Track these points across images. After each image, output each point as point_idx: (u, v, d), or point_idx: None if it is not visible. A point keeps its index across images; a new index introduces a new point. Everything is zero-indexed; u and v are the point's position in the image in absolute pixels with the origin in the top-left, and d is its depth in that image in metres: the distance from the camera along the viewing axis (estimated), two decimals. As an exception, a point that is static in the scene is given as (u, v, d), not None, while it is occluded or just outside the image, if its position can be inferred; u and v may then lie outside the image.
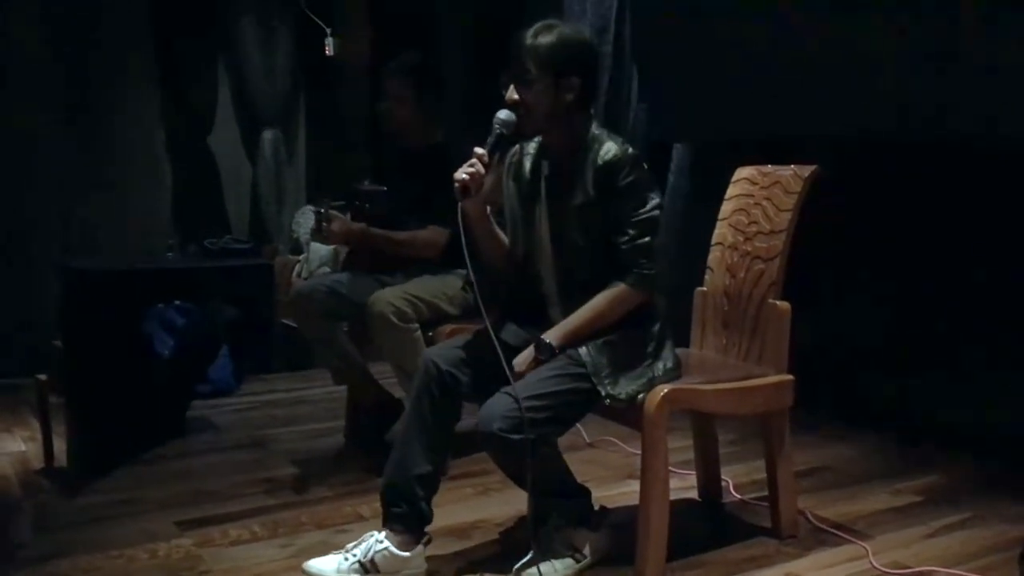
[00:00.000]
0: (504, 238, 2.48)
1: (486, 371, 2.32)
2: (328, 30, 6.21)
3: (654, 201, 2.33)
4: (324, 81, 6.50)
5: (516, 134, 2.34)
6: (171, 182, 5.97)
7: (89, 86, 5.58)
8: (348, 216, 3.42)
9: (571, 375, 2.26)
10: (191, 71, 6.11)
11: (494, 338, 2.24)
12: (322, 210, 3.37)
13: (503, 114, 2.31)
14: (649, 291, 2.35)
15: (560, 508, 2.41)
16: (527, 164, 2.46)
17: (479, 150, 2.28)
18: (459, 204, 2.28)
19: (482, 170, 2.27)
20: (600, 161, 2.29)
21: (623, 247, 2.30)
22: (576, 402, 2.28)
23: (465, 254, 2.26)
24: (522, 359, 2.30)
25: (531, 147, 2.47)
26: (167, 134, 5.94)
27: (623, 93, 4.67)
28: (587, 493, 2.45)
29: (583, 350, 2.28)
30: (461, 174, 2.26)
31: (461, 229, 2.28)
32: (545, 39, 2.28)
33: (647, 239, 2.31)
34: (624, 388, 2.29)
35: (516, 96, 2.30)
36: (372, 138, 6.12)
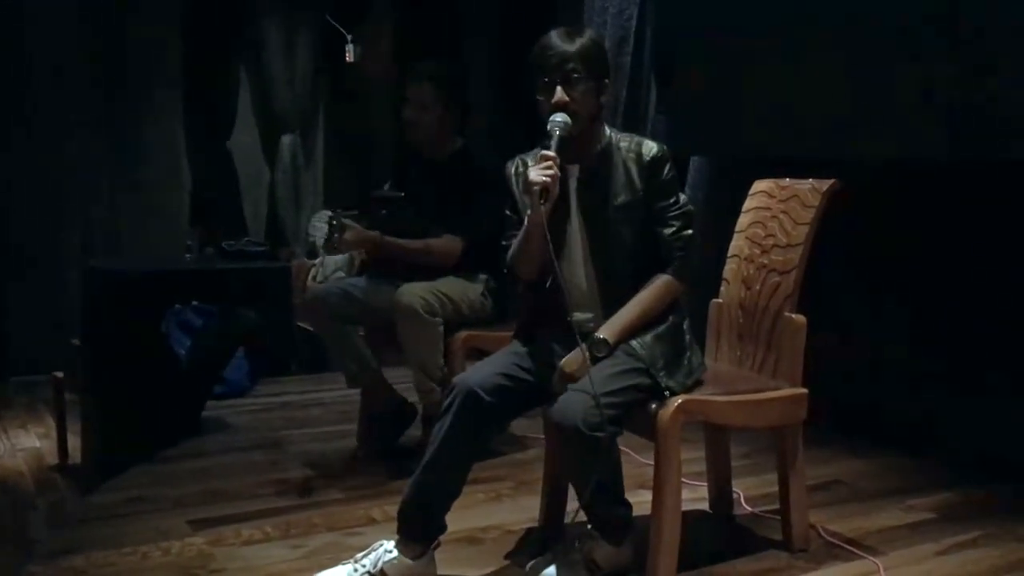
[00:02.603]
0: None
1: (523, 392, 2.35)
2: (349, 37, 6.24)
3: (686, 197, 2.46)
4: (344, 88, 6.54)
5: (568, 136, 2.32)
6: (191, 184, 6.02)
7: (113, 89, 5.64)
8: (364, 224, 3.42)
9: (635, 370, 2.29)
10: (214, 75, 6.16)
11: (576, 332, 2.24)
12: (334, 222, 3.36)
13: (560, 116, 2.30)
14: (689, 281, 2.42)
15: (606, 514, 2.38)
16: None
17: (550, 152, 2.26)
18: (539, 206, 2.23)
19: (558, 172, 2.26)
20: (648, 157, 2.37)
21: (669, 237, 2.38)
22: (641, 398, 2.29)
23: (552, 259, 2.24)
24: (572, 360, 2.29)
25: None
26: (188, 137, 5.99)
27: (640, 105, 4.68)
28: (630, 506, 2.44)
29: (635, 344, 2.31)
30: (540, 176, 2.23)
31: (544, 233, 2.23)
32: (583, 42, 2.33)
33: (691, 231, 2.40)
34: (678, 380, 2.34)
35: (566, 97, 2.31)
36: (393, 145, 6.15)
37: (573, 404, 2.17)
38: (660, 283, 2.38)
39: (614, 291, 2.40)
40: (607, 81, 2.39)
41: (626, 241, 2.38)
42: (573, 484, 2.39)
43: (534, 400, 2.36)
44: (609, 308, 2.39)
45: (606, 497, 2.36)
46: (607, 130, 2.43)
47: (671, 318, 2.40)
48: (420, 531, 2.34)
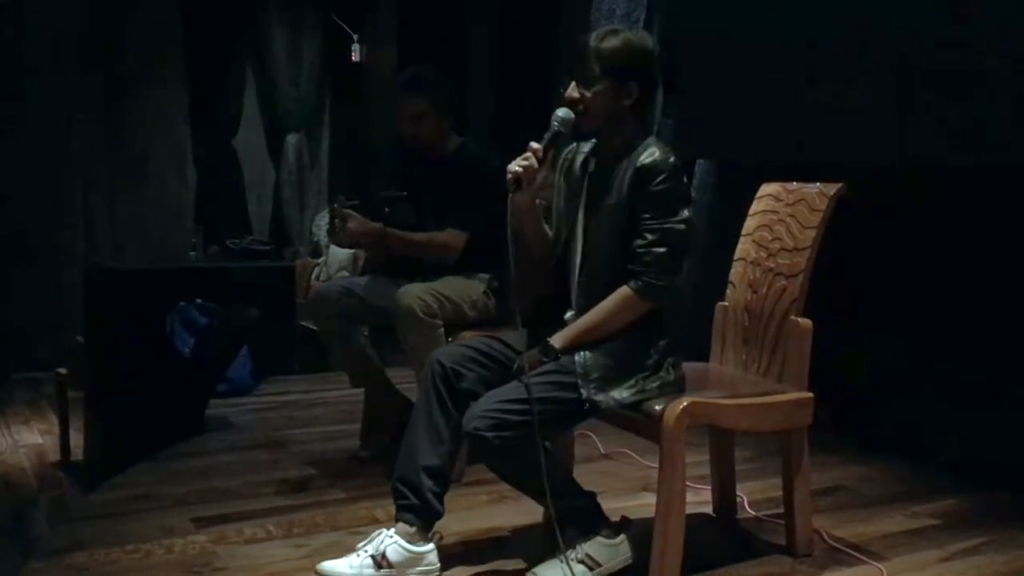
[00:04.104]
0: (550, 234, 2.49)
1: (492, 371, 2.36)
2: (355, 37, 6.25)
3: (683, 215, 2.31)
4: (350, 87, 6.55)
5: (573, 133, 2.36)
6: (196, 183, 6.03)
7: (117, 87, 5.65)
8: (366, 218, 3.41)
9: (556, 383, 2.26)
10: (219, 74, 6.17)
11: (521, 324, 2.25)
12: (335, 206, 3.36)
13: (561, 112, 2.33)
14: (655, 301, 2.33)
15: (560, 509, 2.39)
16: (578, 163, 2.49)
17: (534, 145, 2.30)
18: (509, 195, 2.30)
19: (535, 164, 2.28)
20: (640, 163, 2.31)
21: (638, 251, 2.30)
22: (557, 411, 2.27)
23: (510, 244, 2.26)
24: (528, 356, 2.31)
25: (586, 147, 2.49)
26: (193, 136, 6.00)
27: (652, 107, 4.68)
28: (588, 494, 2.43)
29: (577, 356, 2.29)
30: (514, 166, 2.28)
31: (509, 220, 2.29)
32: (611, 43, 2.32)
33: (664, 249, 2.29)
34: (610, 395, 2.28)
35: (576, 94, 2.33)
36: (395, 146, 6.16)
37: (475, 407, 2.21)
38: (619, 296, 2.31)
39: (590, 291, 2.38)
40: (636, 84, 2.33)
41: (607, 243, 2.36)
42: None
43: (506, 380, 2.32)
44: (584, 306, 2.39)
45: (538, 493, 2.33)
46: (645, 134, 2.39)
47: (634, 334, 2.33)
48: (412, 507, 2.35)
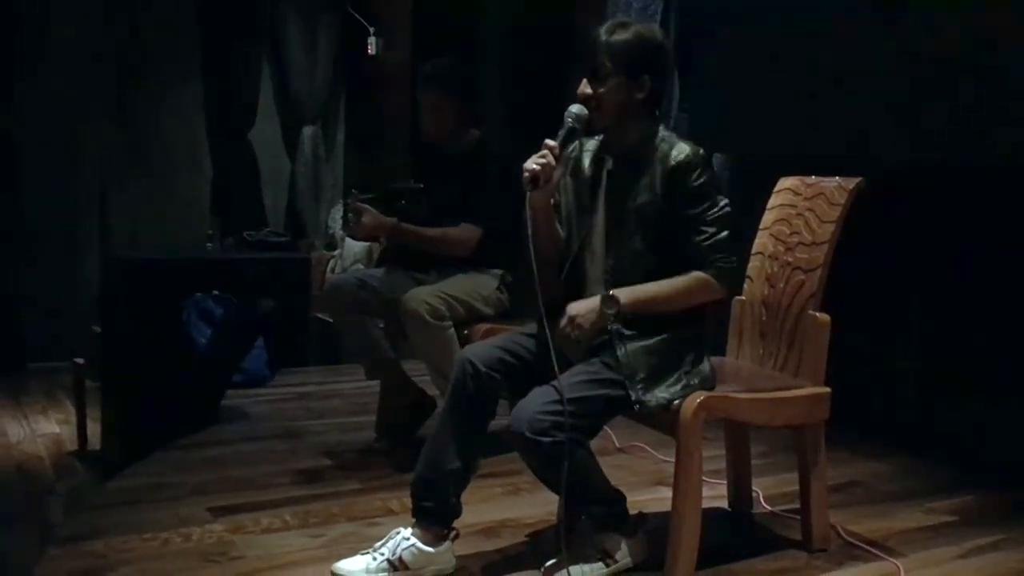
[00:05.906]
0: (562, 233, 2.48)
1: (524, 371, 2.33)
2: (372, 30, 6.25)
3: (725, 200, 2.34)
4: (365, 80, 6.55)
5: (586, 129, 2.34)
6: (212, 174, 6.05)
7: (134, 78, 5.68)
8: (381, 211, 3.41)
9: (604, 380, 2.25)
10: (235, 66, 6.18)
11: (548, 330, 2.21)
12: (348, 201, 3.37)
13: (575, 108, 2.32)
14: (730, 285, 2.36)
15: (591, 512, 2.41)
16: (586, 161, 2.46)
17: (550, 142, 2.28)
18: (527, 194, 2.28)
19: (553, 162, 2.27)
20: (673, 161, 2.30)
21: (704, 244, 2.29)
22: (606, 410, 2.28)
23: (529, 246, 2.23)
24: (580, 306, 2.27)
25: (591, 144, 2.47)
26: (209, 127, 6.02)
27: (663, 102, 4.66)
28: (621, 497, 2.43)
29: (620, 353, 2.28)
30: (532, 164, 2.26)
31: (528, 219, 2.27)
32: (621, 36, 2.30)
33: (725, 234, 2.31)
34: (657, 395, 2.28)
35: (588, 90, 2.31)
36: (411, 139, 6.17)
37: (525, 408, 2.17)
38: (694, 276, 2.29)
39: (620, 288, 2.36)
40: (648, 78, 2.31)
41: (637, 243, 2.34)
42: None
43: (536, 381, 2.29)
44: None
45: (585, 497, 2.34)
46: (661, 130, 2.38)
47: (677, 329, 2.32)
48: (433, 511, 2.34)
